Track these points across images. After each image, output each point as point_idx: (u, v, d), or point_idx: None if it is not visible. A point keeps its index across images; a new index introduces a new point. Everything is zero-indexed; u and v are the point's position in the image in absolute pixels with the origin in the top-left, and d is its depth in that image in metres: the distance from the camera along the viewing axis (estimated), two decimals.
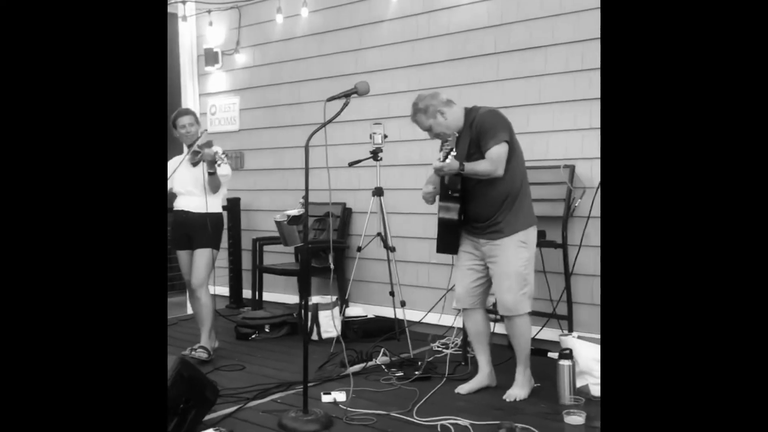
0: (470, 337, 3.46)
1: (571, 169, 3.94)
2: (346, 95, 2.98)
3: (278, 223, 3.74)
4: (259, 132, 5.70)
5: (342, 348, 4.02)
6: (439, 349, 4.16)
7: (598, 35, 3.97)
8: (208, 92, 6.02)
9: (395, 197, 4.63)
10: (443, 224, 3.20)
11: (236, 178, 5.72)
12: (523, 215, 3.20)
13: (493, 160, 3.04)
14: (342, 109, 2.97)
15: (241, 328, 4.59)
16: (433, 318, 4.47)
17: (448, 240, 3.31)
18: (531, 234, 3.22)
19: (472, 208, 3.17)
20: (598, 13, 3.84)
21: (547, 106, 4.09)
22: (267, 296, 5.33)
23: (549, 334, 3.98)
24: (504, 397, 3.20)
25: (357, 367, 3.71)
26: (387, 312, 4.61)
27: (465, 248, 3.31)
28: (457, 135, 2.96)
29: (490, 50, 4.32)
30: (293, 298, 5.37)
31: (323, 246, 4.80)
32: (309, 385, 3.42)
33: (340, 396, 3.24)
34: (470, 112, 3.21)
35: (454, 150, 2.89)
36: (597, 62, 3.84)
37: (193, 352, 3.96)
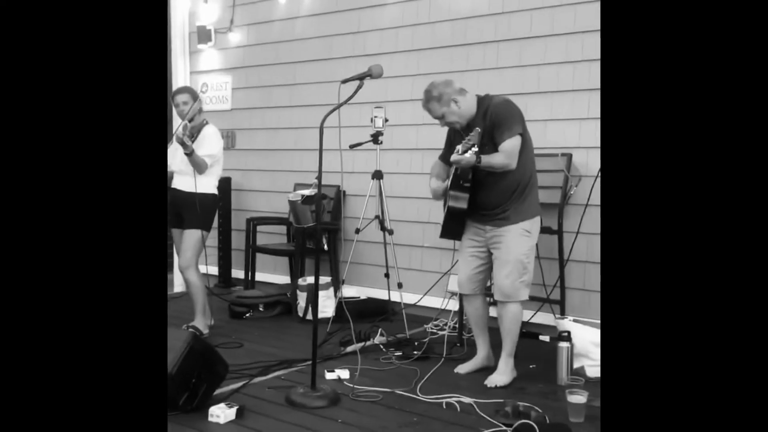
0: (470, 322, 3.53)
1: (569, 157, 4.03)
2: (360, 78, 3.01)
3: (292, 203, 3.75)
4: (252, 112, 5.69)
5: (338, 328, 4.10)
6: (434, 330, 4.24)
7: (598, 27, 4.08)
8: (199, 70, 5.97)
9: (391, 181, 4.68)
10: (451, 212, 3.25)
11: (227, 158, 5.66)
12: (529, 205, 3.26)
13: (507, 154, 3.10)
14: (356, 92, 3.00)
15: (235, 307, 4.61)
16: (427, 300, 4.56)
17: (453, 227, 3.37)
18: (535, 224, 3.29)
19: (482, 197, 3.22)
20: (597, 5, 3.96)
21: (546, 95, 4.17)
22: (258, 276, 5.34)
23: (540, 318, 4.09)
24: (485, 382, 3.24)
25: (356, 346, 3.77)
26: (380, 294, 4.67)
27: (469, 235, 3.38)
28: (479, 130, 2.98)
29: (490, 38, 4.38)
30: (284, 279, 5.40)
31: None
32: (308, 363, 3.49)
33: (343, 373, 3.30)
34: (483, 101, 3.25)
35: (476, 146, 2.91)
36: (596, 53, 3.95)
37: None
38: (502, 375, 3.26)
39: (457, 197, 3.23)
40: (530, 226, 3.27)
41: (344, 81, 3.02)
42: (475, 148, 2.93)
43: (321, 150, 2.97)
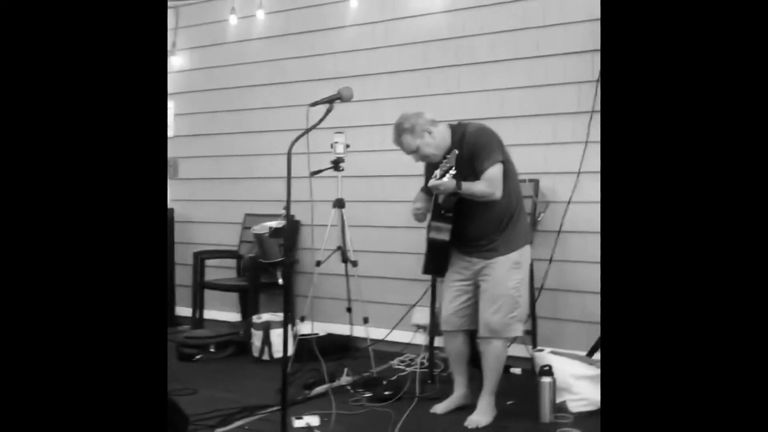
0: (450, 359, 3.32)
1: (536, 182, 3.93)
2: (330, 101, 2.80)
3: (258, 236, 3.47)
4: (196, 139, 5.39)
5: (298, 368, 3.81)
6: (401, 367, 4.02)
7: (561, 51, 4.05)
8: None
9: (351, 209, 4.46)
10: (433, 245, 3.06)
11: (169, 188, 5.36)
12: (518, 234, 3.10)
13: (490, 182, 2.94)
14: (326, 115, 2.78)
15: (184, 348, 4.25)
16: (391, 335, 4.34)
17: (437, 261, 3.16)
18: (525, 253, 3.14)
19: (468, 227, 3.04)
20: (561, 29, 3.91)
21: (510, 120, 4.07)
22: (205, 314, 4.99)
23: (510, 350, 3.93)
24: (465, 423, 3.04)
25: (322, 388, 3.50)
26: (340, 329, 4.42)
27: (454, 268, 3.17)
28: (456, 152, 2.80)
29: (451, 62, 4.27)
30: (233, 316, 5.07)
31: (272, 261, 4.55)
32: (274, 409, 3.20)
33: (313, 420, 3.03)
34: (456, 129, 3.10)
35: (453, 168, 2.74)
36: (560, 77, 3.91)
37: None
38: (484, 414, 3.07)
39: (439, 228, 3.04)
40: (520, 257, 3.10)
41: (313, 104, 2.81)
42: (453, 171, 2.76)
43: (289, 178, 2.74)
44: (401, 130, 3.04)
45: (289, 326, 4.25)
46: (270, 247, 3.60)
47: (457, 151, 2.80)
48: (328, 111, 2.80)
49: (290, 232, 2.76)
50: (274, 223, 3.48)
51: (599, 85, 3.65)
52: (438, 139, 3.04)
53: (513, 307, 3.04)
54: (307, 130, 2.73)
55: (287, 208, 2.75)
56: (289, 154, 2.70)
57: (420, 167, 3.32)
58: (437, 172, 2.79)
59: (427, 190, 3.26)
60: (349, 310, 4.13)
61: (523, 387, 3.49)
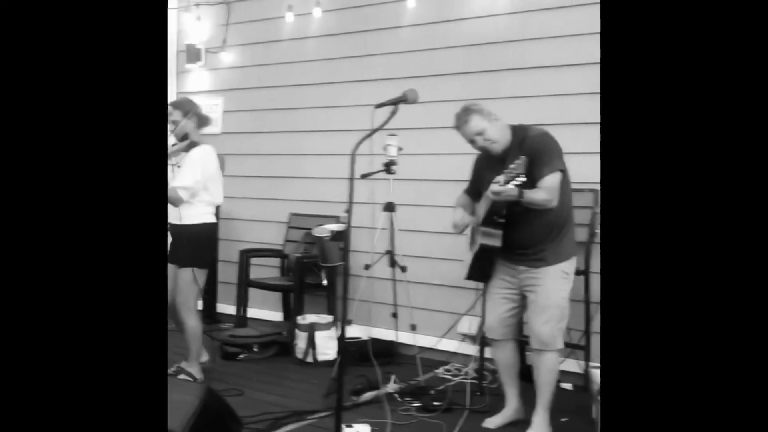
0: (500, 369, 3.22)
1: (595, 193, 3.81)
2: (395, 103, 2.72)
3: (319, 239, 3.40)
4: (244, 136, 5.35)
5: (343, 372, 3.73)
6: (447, 376, 3.92)
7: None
8: (187, 91, 5.62)
9: (398, 213, 4.39)
10: (484, 251, 2.96)
11: None
12: (567, 245, 3.01)
13: (549, 190, 2.84)
14: (390, 117, 2.70)
15: (228, 347, 4.22)
16: (434, 342, 4.25)
17: (482, 267, 3.09)
18: (572, 265, 3.04)
19: (517, 235, 2.95)
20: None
21: (569, 127, 3.95)
22: (248, 313, 4.95)
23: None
24: None
25: (369, 395, 3.43)
26: (384, 334, 4.35)
27: (499, 275, 3.09)
28: (524, 158, 2.69)
29: (509, 65, 4.17)
30: (274, 315, 5.03)
31: (315, 261, 4.50)
32: (323, 415, 3.15)
33: (364, 429, 2.96)
34: (517, 131, 3.01)
35: (522, 176, 2.64)
36: None
37: (177, 375, 3.59)
38: (540, 431, 2.96)
39: (490, 234, 2.95)
40: (568, 267, 3.02)
41: (378, 105, 2.73)
42: (523, 178, 2.65)
43: (352, 180, 2.66)
44: (471, 111, 2.96)
45: (334, 329, 4.20)
46: (330, 251, 3.53)
47: (525, 158, 2.69)
48: (393, 113, 2.73)
49: (350, 234, 2.68)
50: (335, 226, 3.40)
51: None
52: (502, 130, 2.96)
53: (561, 318, 2.97)
54: (373, 132, 2.65)
55: (349, 210, 2.67)
56: (353, 155, 2.63)
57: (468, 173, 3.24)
58: (501, 178, 2.69)
59: (472, 193, 3.18)
60: (394, 315, 4.05)
61: (574, 403, 3.39)
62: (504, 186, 2.69)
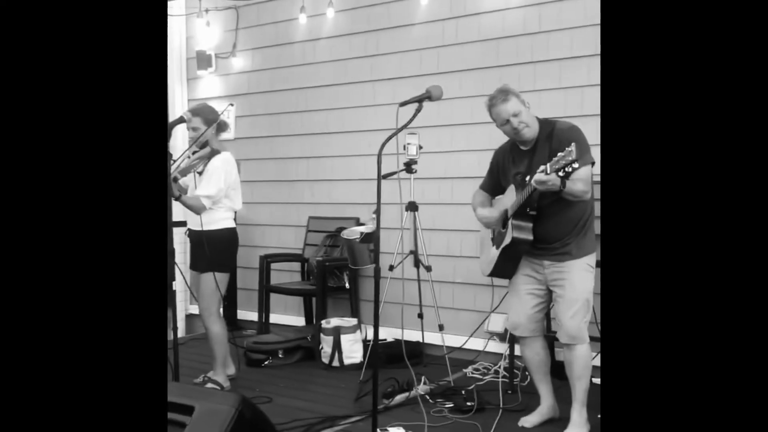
0: (530, 367, 3.17)
1: None
2: (419, 100, 2.69)
3: (349, 242, 3.36)
4: (258, 141, 5.33)
5: (371, 375, 3.69)
6: (476, 375, 3.88)
7: None
8: (198, 97, 5.60)
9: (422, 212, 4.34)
10: (516, 244, 2.91)
11: None
12: (590, 238, 2.99)
13: (585, 182, 2.80)
14: (415, 115, 2.67)
15: (252, 354, 4.18)
16: (461, 341, 4.21)
17: (508, 263, 3.04)
18: (594, 258, 3.01)
19: (543, 228, 2.91)
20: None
21: (590, 118, 3.89)
22: (270, 318, 4.92)
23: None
24: None
25: (401, 398, 3.39)
26: (409, 335, 4.31)
27: (524, 271, 3.05)
28: (574, 145, 2.60)
29: (526, 59, 4.12)
30: (297, 320, 5.00)
31: (337, 264, 4.46)
32: (357, 419, 3.11)
33: None
34: (545, 124, 2.97)
35: (575, 163, 2.55)
36: None
37: (204, 384, 3.56)
38: (580, 428, 2.92)
39: (521, 227, 2.90)
40: (592, 261, 2.98)
41: (403, 104, 2.69)
42: (575, 165, 2.55)
43: (379, 180, 2.63)
44: (510, 92, 2.93)
45: (359, 332, 4.16)
46: (361, 253, 3.49)
47: (575, 144, 2.59)
48: (418, 111, 2.69)
49: (379, 236, 2.64)
50: (365, 228, 3.36)
51: None
52: (533, 120, 2.93)
53: (587, 310, 2.93)
54: (398, 130, 2.61)
55: (377, 212, 2.63)
56: (379, 155, 2.59)
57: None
58: (547, 167, 2.62)
59: (490, 187, 3.15)
60: (420, 316, 4.01)
61: None
62: (550, 174, 2.63)
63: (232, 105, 3.81)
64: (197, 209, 3.46)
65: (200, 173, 3.53)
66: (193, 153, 3.53)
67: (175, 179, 3.36)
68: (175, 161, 3.43)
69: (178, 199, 3.34)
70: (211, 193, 3.48)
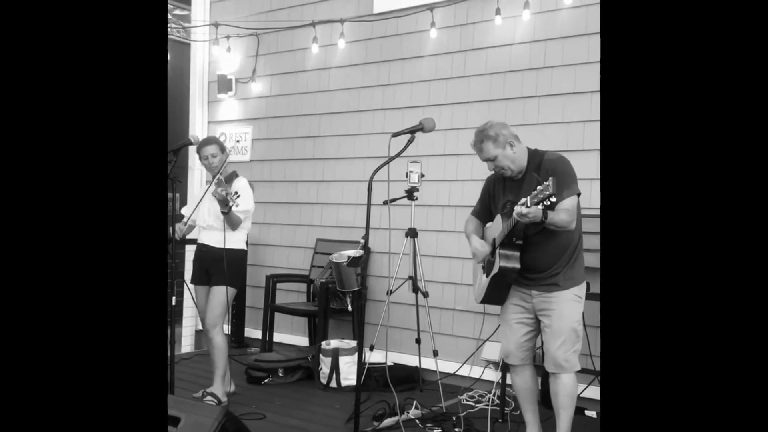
0: (518, 395, 3.21)
1: None
2: (412, 131, 2.79)
3: (336, 265, 3.48)
4: (272, 163, 5.48)
5: (366, 397, 3.77)
6: (470, 402, 3.92)
7: None
8: (218, 120, 5.79)
9: (420, 238, 4.43)
10: (503, 274, 2.98)
11: None
12: (578, 269, 3.02)
13: (569, 212, 2.86)
14: (407, 146, 2.78)
15: (253, 371, 4.28)
16: (460, 369, 4.25)
17: (498, 291, 3.09)
18: (583, 289, 3.05)
19: (531, 258, 2.96)
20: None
21: (591, 153, 3.97)
22: (274, 337, 5.02)
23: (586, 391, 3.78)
24: None
25: (390, 421, 3.45)
26: (407, 360, 4.37)
27: (513, 300, 3.10)
28: (552, 180, 2.66)
29: (530, 93, 4.21)
30: (301, 340, 5.09)
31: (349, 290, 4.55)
32: None
33: None
34: (534, 155, 3.04)
35: (553, 197, 2.61)
36: None
37: (203, 398, 3.66)
38: None
39: (508, 257, 2.96)
40: (580, 291, 3.02)
41: (395, 134, 2.80)
42: (554, 198, 2.62)
43: (369, 207, 2.73)
44: (485, 136, 2.98)
45: (356, 354, 4.22)
46: (348, 276, 3.59)
47: (553, 179, 2.65)
48: (410, 141, 2.80)
49: (368, 260, 2.74)
50: (353, 252, 3.47)
51: None
52: (518, 155, 2.99)
53: (575, 341, 2.96)
54: (390, 160, 2.72)
55: (366, 237, 2.73)
56: (370, 183, 2.70)
57: None
58: (527, 200, 2.68)
59: (481, 213, 3.21)
60: (417, 341, 4.07)
61: (596, 430, 3.35)
62: (530, 207, 2.69)
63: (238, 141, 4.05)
64: (236, 225, 3.70)
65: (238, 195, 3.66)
66: (215, 176, 3.70)
67: (228, 194, 3.48)
68: (209, 183, 3.64)
69: (225, 213, 3.53)
70: (248, 208, 3.76)
